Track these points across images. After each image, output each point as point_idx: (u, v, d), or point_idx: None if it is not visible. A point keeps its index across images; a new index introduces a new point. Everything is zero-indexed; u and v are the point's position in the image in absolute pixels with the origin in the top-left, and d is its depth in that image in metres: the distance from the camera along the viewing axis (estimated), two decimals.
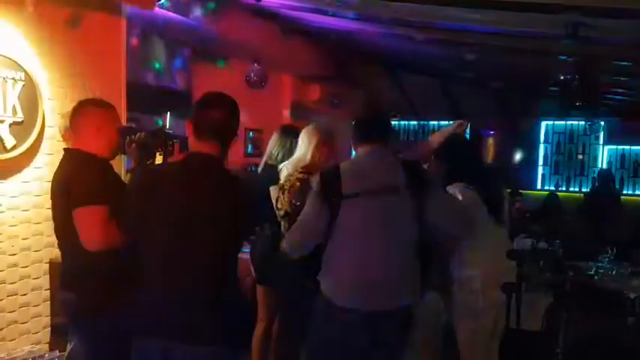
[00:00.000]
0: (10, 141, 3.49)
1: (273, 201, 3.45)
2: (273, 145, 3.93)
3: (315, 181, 2.76)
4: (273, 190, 3.49)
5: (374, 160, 2.69)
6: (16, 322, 3.66)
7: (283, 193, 3.38)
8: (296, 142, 3.61)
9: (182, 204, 2.17)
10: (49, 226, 3.80)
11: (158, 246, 2.20)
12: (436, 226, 2.70)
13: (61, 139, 3.83)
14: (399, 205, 2.60)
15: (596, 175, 8.86)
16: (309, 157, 3.43)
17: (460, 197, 3.09)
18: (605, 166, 9.17)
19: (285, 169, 3.52)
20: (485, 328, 3.17)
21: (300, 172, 3.35)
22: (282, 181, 3.45)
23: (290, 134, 3.85)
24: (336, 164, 2.76)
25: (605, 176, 8.25)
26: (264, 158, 3.99)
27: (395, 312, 2.64)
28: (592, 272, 4.44)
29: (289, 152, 3.72)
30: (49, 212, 3.78)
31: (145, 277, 2.23)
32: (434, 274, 3.41)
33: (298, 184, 3.30)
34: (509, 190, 8.49)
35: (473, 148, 3.80)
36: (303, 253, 2.74)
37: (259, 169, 4.07)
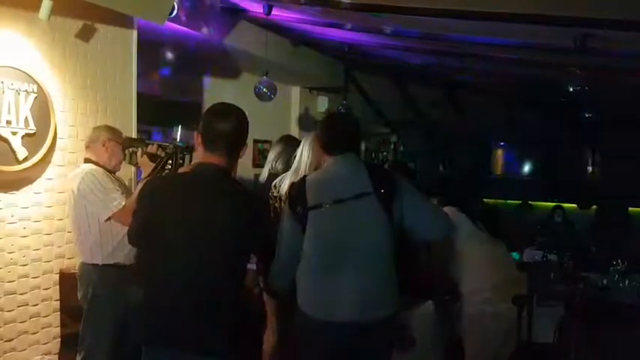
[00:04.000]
0: (22, 152, 3.51)
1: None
2: (274, 155, 3.97)
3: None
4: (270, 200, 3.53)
5: (339, 169, 2.65)
6: (26, 332, 3.67)
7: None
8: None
9: (189, 214, 2.18)
10: (59, 237, 3.84)
11: (165, 255, 2.21)
12: (413, 228, 2.64)
13: (74, 151, 3.88)
14: (369, 211, 2.56)
15: None
16: (314, 165, 3.43)
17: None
18: None
19: (287, 178, 3.51)
20: (495, 341, 3.16)
21: None
22: (284, 190, 3.46)
23: (290, 144, 3.90)
24: (303, 178, 2.75)
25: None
26: (266, 168, 4.03)
27: (373, 324, 2.56)
28: (604, 284, 4.40)
29: (289, 162, 3.76)
30: (60, 223, 3.85)
31: (152, 286, 2.23)
32: (435, 283, 3.43)
33: None
34: (519, 202, 8.54)
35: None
36: (289, 276, 2.67)
37: (261, 179, 4.11)
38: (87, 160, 3.49)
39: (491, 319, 3.31)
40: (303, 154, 3.47)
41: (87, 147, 3.54)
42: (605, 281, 4.46)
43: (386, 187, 2.58)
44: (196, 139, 2.32)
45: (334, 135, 2.71)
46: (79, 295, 3.45)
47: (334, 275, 2.54)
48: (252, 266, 3.85)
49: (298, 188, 2.64)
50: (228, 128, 2.26)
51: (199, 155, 2.34)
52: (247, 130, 2.37)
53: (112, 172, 3.53)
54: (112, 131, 3.59)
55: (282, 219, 2.69)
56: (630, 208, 8.26)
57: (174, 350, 2.16)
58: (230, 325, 2.22)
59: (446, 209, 3.15)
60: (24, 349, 3.65)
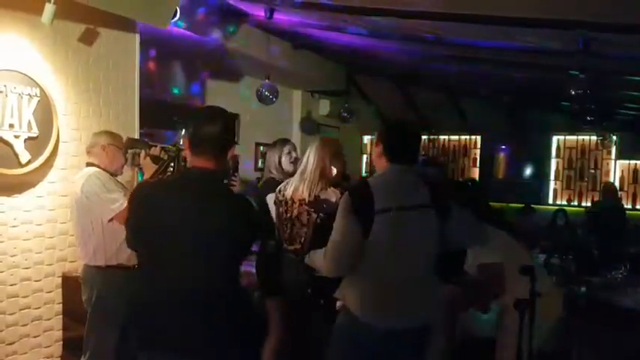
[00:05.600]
0: (25, 156, 3.53)
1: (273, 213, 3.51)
2: (272, 158, 4.01)
3: (341, 197, 2.73)
4: (271, 200, 3.57)
5: (402, 179, 2.69)
6: (28, 335, 3.68)
7: (292, 205, 3.41)
8: (292, 155, 3.79)
9: (178, 217, 2.17)
10: (62, 241, 3.85)
11: (156, 258, 2.20)
12: (454, 242, 2.75)
13: (77, 154, 3.89)
14: (427, 222, 2.62)
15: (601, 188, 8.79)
16: (320, 170, 3.45)
17: None
18: (617, 181, 9.10)
19: (292, 183, 3.53)
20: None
21: (319, 186, 3.41)
22: (289, 195, 3.47)
23: (286, 147, 3.98)
24: (364, 181, 2.74)
25: (610, 190, 8.19)
26: (266, 171, 4.07)
27: (419, 329, 2.65)
28: (606, 288, 4.40)
29: (285, 165, 3.91)
30: (63, 226, 3.86)
31: (145, 289, 2.24)
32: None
33: (321, 197, 3.35)
34: (522, 205, 8.53)
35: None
36: (342, 273, 2.69)
37: (261, 183, 4.14)
38: (89, 164, 3.51)
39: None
40: (309, 159, 3.48)
41: (88, 152, 3.55)
42: (607, 285, 4.46)
43: (442, 202, 2.67)
44: (185, 143, 2.33)
45: (404, 144, 2.74)
46: (84, 297, 3.46)
47: (391, 282, 2.59)
48: (251, 269, 3.87)
49: (363, 190, 2.61)
50: (215, 131, 2.25)
51: (188, 159, 2.34)
52: (234, 131, 2.38)
53: (113, 175, 3.54)
54: (112, 136, 3.60)
55: (340, 219, 2.63)
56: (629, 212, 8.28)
57: (172, 353, 2.16)
58: (229, 327, 2.21)
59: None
60: (25, 353, 3.66)
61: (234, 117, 2.31)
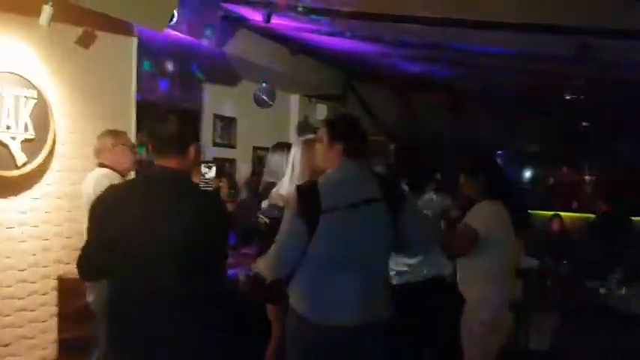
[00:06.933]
0: (21, 158, 3.54)
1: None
2: (276, 162, 3.97)
3: (289, 198, 2.73)
4: (265, 205, 3.55)
5: (355, 174, 2.68)
6: (24, 337, 3.67)
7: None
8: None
9: (144, 217, 2.15)
10: (57, 242, 3.85)
11: (125, 263, 2.17)
12: (405, 238, 2.69)
13: (73, 157, 3.90)
14: (378, 217, 2.61)
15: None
16: (307, 171, 3.43)
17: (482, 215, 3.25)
18: None
19: (283, 185, 3.51)
20: (499, 345, 3.18)
21: None
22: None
23: (284, 151, 3.93)
24: (313, 181, 2.71)
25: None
26: (265, 176, 4.02)
27: (371, 325, 2.60)
28: (601, 292, 4.41)
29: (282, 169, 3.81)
30: (58, 228, 3.86)
31: (114, 293, 2.22)
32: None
33: None
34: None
35: (500, 166, 3.87)
36: (281, 275, 2.71)
37: (261, 188, 4.11)
38: (101, 165, 3.53)
39: (501, 324, 3.33)
40: (296, 160, 3.48)
41: (96, 155, 3.57)
42: (602, 289, 4.47)
43: (393, 195, 2.65)
44: (149, 148, 2.34)
45: (356, 138, 2.72)
46: (89, 299, 3.47)
47: (340, 279, 2.57)
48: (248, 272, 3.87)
49: (310, 191, 2.61)
50: (171, 131, 2.24)
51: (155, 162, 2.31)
52: (193, 129, 2.38)
53: (123, 174, 3.57)
54: (116, 135, 3.62)
55: (285, 220, 2.67)
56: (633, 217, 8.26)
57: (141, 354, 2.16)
58: (199, 326, 2.19)
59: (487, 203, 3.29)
60: (22, 354, 3.66)
61: (194, 115, 2.28)
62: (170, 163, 2.24)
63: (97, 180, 3.39)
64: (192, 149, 2.29)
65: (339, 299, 2.57)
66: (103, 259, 2.20)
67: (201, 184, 3.11)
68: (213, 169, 3.29)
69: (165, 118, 2.29)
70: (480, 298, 3.28)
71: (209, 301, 2.25)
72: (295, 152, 3.50)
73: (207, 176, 3.23)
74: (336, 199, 2.57)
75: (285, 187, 3.48)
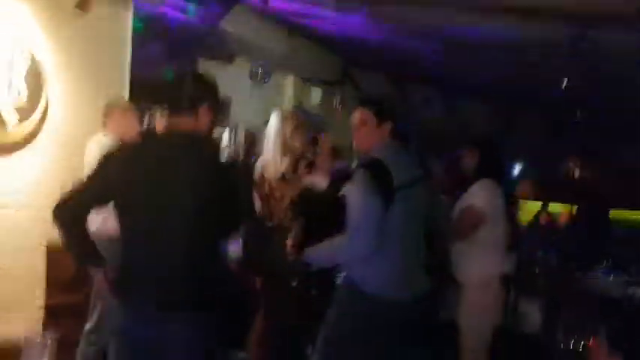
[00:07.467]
0: (12, 120, 3.50)
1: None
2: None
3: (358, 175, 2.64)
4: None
5: (403, 153, 2.75)
6: (9, 302, 3.63)
7: (264, 183, 3.40)
8: None
9: (158, 176, 2.10)
10: (47, 211, 3.80)
11: (136, 219, 2.14)
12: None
13: (65, 124, 3.86)
14: (428, 192, 2.74)
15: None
16: (281, 145, 3.41)
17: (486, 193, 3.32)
18: None
19: (266, 159, 3.48)
20: (492, 325, 3.23)
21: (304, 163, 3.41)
22: (260, 172, 3.45)
23: None
24: (377, 159, 2.63)
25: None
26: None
27: (425, 297, 2.69)
28: (588, 280, 4.45)
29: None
30: (48, 199, 3.79)
31: (123, 249, 2.18)
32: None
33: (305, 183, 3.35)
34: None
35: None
36: (369, 253, 2.58)
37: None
38: (105, 132, 3.52)
39: (496, 304, 3.39)
40: (269, 134, 3.45)
41: (103, 123, 3.54)
42: (589, 278, 4.51)
43: (429, 175, 2.83)
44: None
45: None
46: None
47: (411, 255, 2.67)
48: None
49: (381, 168, 2.56)
50: (180, 88, 2.20)
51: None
52: (207, 91, 2.24)
53: None
54: (126, 104, 3.60)
55: (362, 197, 2.55)
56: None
57: (153, 310, 2.12)
58: (199, 286, 2.16)
59: (483, 183, 3.36)
60: (8, 320, 3.62)
61: (211, 80, 2.15)
62: (179, 124, 2.17)
63: (103, 148, 3.35)
64: (203, 111, 2.18)
65: (411, 275, 2.64)
66: (86, 210, 2.14)
67: None
68: None
69: (180, 77, 2.27)
70: (477, 280, 3.30)
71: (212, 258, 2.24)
72: (272, 126, 3.49)
73: None
74: (400, 178, 2.57)
75: (263, 160, 3.47)
